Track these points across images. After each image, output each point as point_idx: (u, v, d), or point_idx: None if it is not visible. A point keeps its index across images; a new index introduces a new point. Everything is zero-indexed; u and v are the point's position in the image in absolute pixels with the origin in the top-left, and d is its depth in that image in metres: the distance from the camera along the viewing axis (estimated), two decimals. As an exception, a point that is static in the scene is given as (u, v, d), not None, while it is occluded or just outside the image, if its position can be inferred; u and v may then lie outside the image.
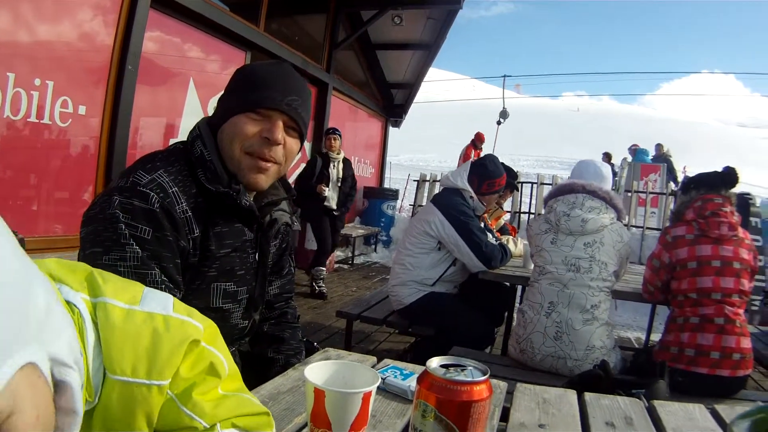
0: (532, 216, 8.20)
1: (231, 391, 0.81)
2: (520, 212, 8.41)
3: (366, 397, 0.83)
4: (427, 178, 8.98)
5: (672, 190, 8.13)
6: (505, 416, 1.15)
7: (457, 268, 3.33)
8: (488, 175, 3.40)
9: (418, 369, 1.29)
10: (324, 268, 5.86)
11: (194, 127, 1.36)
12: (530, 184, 8.67)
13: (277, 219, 1.45)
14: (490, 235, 3.44)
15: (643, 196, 8.37)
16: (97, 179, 3.95)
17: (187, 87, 4.82)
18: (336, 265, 7.68)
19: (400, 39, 8.62)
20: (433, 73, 9.91)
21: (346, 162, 5.95)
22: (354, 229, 8.30)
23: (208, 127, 1.35)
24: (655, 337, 3.53)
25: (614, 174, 9.88)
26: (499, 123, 15.53)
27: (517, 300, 3.54)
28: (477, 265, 3.22)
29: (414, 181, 9.70)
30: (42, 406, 0.48)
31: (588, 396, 1.27)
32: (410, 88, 10.07)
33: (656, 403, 1.27)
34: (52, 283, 0.58)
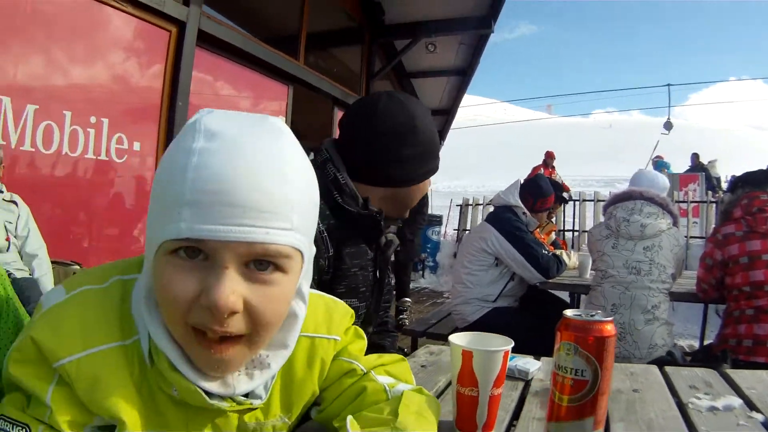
0: (576, 233, 8.35)
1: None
2: (564, 230, 8.35)
3: (505, 355, 0.97)
4: (470, 203, 9.01)
5: (711, 199, 8.07)
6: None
7: (515, 282, 3.46)
8: (542, 193, 3.61)
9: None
10: (410, 300, 5.71)
11: (321, 150, 1.38)
12: (573, 202, 8.61)
13: (392, 240, 1.54)
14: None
15: (684, 206, 8.24)
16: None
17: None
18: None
19: (434, 66, 8.72)
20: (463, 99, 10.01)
21: None
22: (401, 255, 8.31)
23: (335, 149, 1.40)
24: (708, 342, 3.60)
25: None
26: (664, 133, 15.93)
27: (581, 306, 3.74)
28: (535, 276, 3.36)
29: (457, 206, 9.72)
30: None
31: (668, 368, 1.40)
32: (447, 114, 10.14)
33: (728, 371, 1.38)
34: None
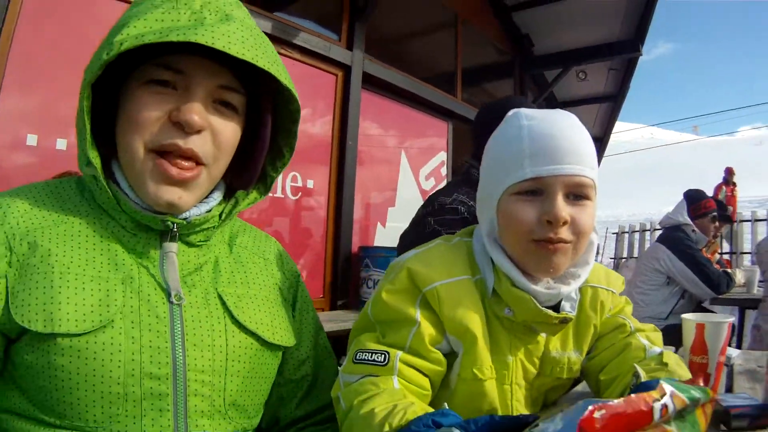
0: (734, 255, 8.30)
1: None
2: (721, 252, 7.85)
3: (730, 326, 1.19)
4: (626, 230, 8.63)
5: None
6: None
7: (685, 300, 3.58)
8: (694, 199, 3.83)
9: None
10: None
11: (462, 164, 1.85)
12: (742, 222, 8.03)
13: None
14: None
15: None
16: (326, 248, 4.27)
17: (399, 158, 5.13)
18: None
19: (584, 94, 8.49)
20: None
21: None
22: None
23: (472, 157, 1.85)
24: None
25: None
26: None
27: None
28: (707, 292, 3.46)
29: (612, 234, 9.34)
30: None
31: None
32: (600, 141, 9.81)
33: None
34: None
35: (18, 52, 2.58)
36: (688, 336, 1.18)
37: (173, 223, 0.94)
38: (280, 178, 4.00)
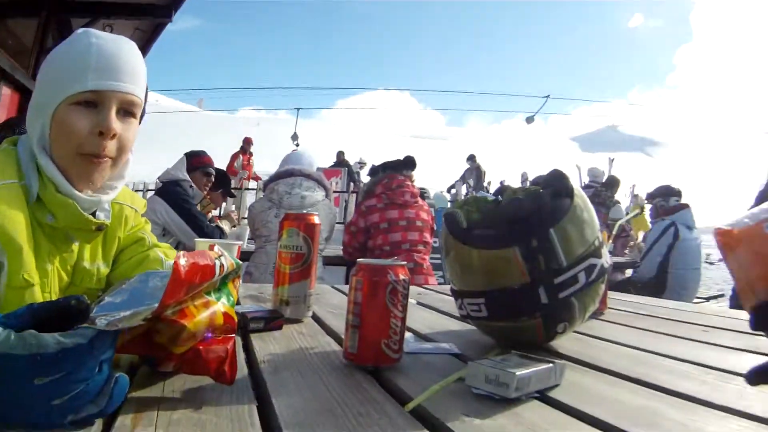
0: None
1: None
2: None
3: (239, 248, 1.42)
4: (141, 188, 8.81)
5: (352, 190, 9.35)
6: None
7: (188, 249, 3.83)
8: (192, 156, 3.95)
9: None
10: None
11: None
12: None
13: None
14: None
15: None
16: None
17: None
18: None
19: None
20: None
21: None
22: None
23: None
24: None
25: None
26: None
27: None
28: None
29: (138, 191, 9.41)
30: None
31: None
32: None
33: None
34: None
35: None
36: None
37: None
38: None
